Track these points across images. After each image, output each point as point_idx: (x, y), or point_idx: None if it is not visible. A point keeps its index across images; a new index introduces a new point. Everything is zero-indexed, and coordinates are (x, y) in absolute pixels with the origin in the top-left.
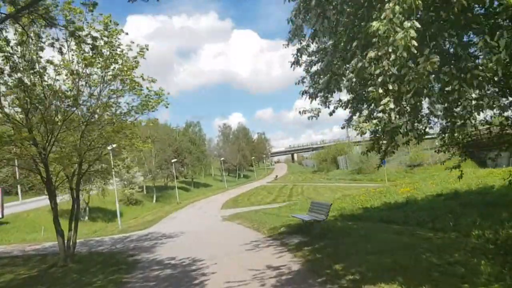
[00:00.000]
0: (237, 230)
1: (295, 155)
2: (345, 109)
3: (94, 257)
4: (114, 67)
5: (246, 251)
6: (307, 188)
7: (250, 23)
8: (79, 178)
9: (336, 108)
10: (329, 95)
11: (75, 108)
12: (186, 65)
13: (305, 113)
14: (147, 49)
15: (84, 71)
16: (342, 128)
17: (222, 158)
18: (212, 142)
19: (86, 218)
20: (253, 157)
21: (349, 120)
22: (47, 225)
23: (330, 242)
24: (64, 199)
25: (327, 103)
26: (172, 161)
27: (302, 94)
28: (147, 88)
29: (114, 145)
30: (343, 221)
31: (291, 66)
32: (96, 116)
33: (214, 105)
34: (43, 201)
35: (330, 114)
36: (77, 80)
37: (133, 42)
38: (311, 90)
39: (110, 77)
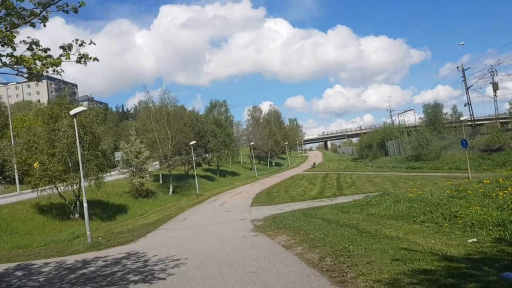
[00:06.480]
0: (288, 276)
1: (329, 143)
2: None
3: None
4: None
5: None
6: (358, 177)
7: (282, 12)
8: None
9: None
10: None
11: None
12: (218, 54)
13: None
14: None
15: None
16: None
17: (252, 143)
18: (241, 127)
19: (77, 215)
20: (286, 143)
21: None
22: (22, 225)
23: None
24: (45, 191)
25: None
26: (191, 143)
27: None
28: None
29: None
30: None
31: None
32: None
33: (245, 94)
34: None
35: None
36: None
37: None
38: None
39: None
